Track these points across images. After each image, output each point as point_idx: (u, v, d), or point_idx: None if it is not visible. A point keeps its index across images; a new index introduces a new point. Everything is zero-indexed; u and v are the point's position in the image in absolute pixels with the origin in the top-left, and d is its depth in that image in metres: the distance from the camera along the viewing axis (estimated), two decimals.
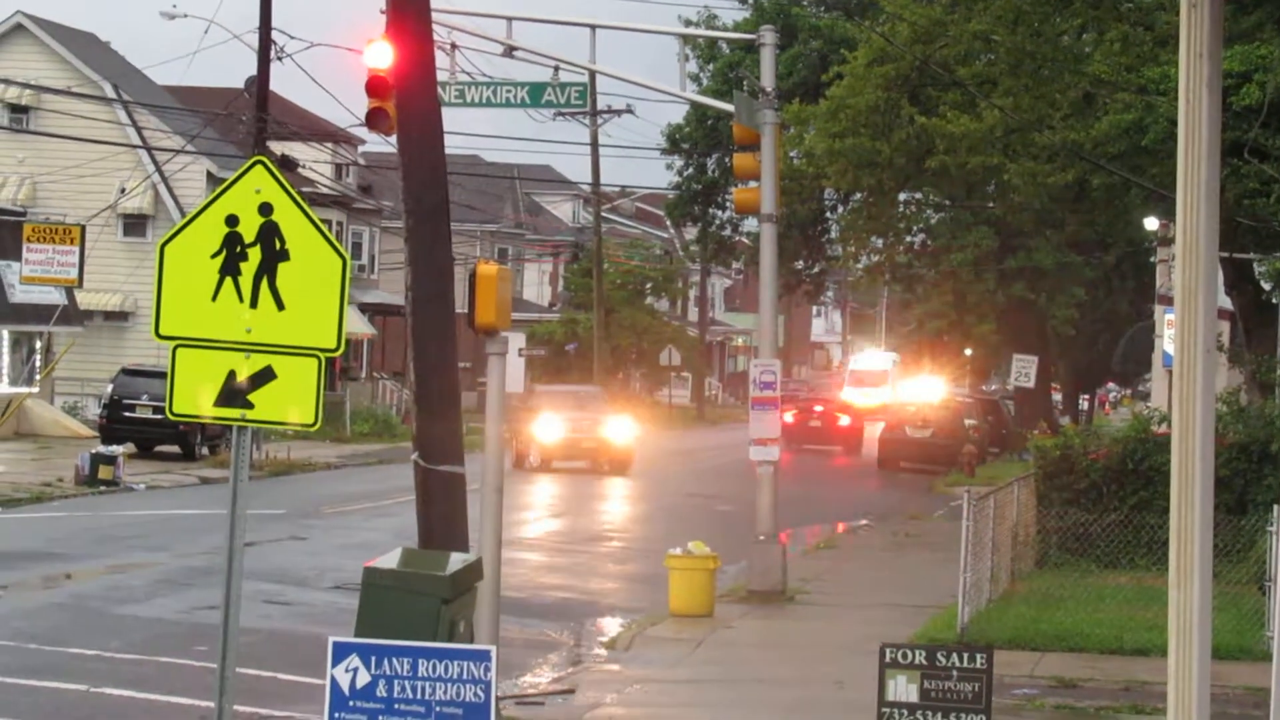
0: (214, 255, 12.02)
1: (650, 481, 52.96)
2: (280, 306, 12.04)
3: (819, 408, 67.00)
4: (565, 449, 52.90)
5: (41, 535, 32.71)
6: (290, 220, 12.09)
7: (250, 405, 12.17)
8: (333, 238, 12.56)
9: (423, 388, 18.42)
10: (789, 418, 39.02)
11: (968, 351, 67.60)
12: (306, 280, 12.09)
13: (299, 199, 12.22)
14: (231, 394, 12.14)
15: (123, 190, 54.11)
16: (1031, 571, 29.21)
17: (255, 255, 12.05)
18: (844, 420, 66.05)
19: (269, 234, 12.06)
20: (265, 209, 12.03)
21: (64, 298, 51.24)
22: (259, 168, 12.27)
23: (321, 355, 12.20)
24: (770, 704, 20.23)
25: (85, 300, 54.28)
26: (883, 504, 47.20)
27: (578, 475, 52.29)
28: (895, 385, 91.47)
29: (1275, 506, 6.24)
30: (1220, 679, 6.66)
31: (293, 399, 12.33)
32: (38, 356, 53.77)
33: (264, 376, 12.14)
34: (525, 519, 35.62)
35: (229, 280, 12.06)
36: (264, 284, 12.08)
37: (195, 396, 12.32)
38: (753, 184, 29.50)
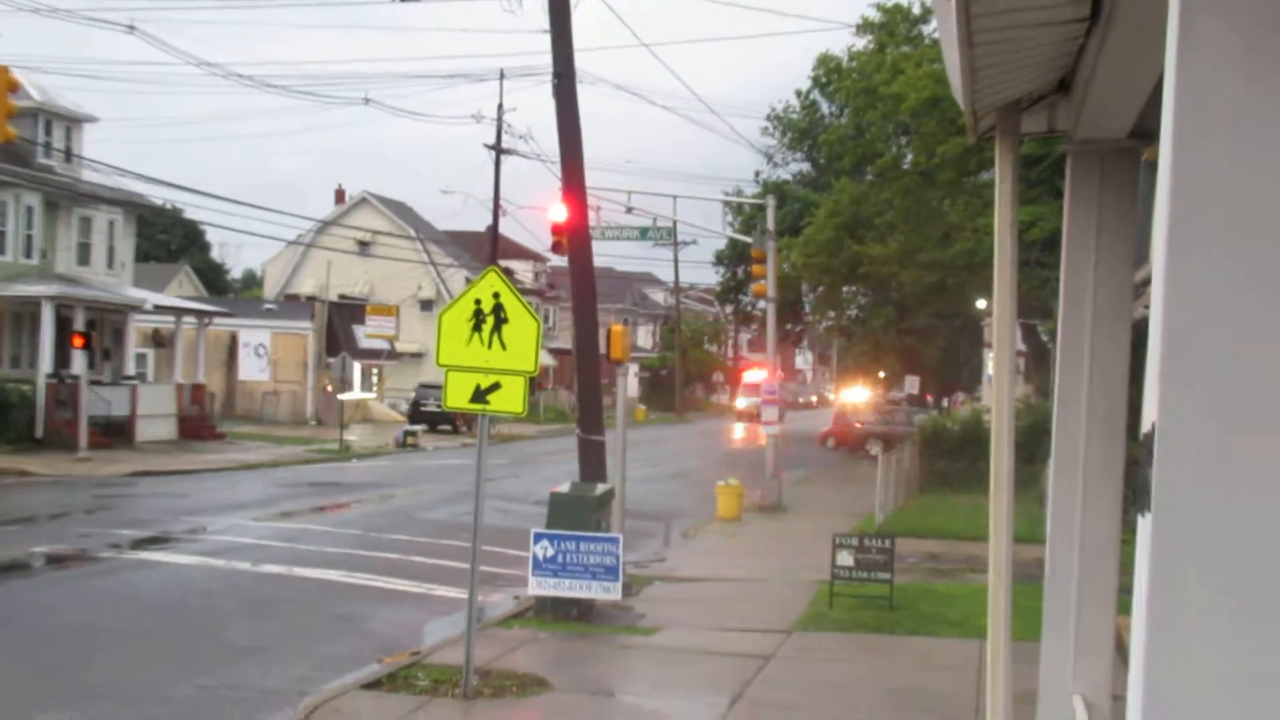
0: (468, 320, 15.00)
1: (703, 440, 70.27)
2: (504, 348, 14.99)
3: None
4: None
5: (376, 474, 43.78)
6: (509, 301, 15.06)
7: (487, 402, 15.15)
8: (532, 310, 15.34)
9: (582, 393, 25.22)
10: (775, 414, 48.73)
11: (881, 374, 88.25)
12: (517, 334, 15.01)
13: (513, 289, 15.32)
14: (477, 395, 15.10)
15: (419, 286, 77.84)
16: (915, 495, 38.70)
17: (490, 320, 14.98)
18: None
19: (497, 309, 14.98)
20: (495, 295, 15.02)
21: (388, 345, 68.89)
22: (492, 273, 15.48)
23: (525, 375, 15.22)
24: (770, 560, 26.99)
25: (399, 347, 72.28)
26: (833, 458, 59.37)
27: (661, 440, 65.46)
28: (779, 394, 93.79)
29: (1050, 459, 7.32)
30: (1018, 554, 6.56)
31: (510, 399, 15.17)
32: (374, 377, 73.61)
33: (495, 386, 15.08)
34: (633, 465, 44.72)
35: (476, 334, 14.99)
36: (495, 336, 14.99)
37: (459, 397, 15.22)
38: (762, 281, 42.71)
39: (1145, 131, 5.84)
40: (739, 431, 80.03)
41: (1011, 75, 5.55)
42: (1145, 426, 2.46)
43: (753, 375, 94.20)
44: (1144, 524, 2.45)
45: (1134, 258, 6.36)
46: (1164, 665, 2.39)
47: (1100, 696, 6.09)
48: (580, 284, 24.86)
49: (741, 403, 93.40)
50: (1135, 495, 2.54)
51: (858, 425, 66.79)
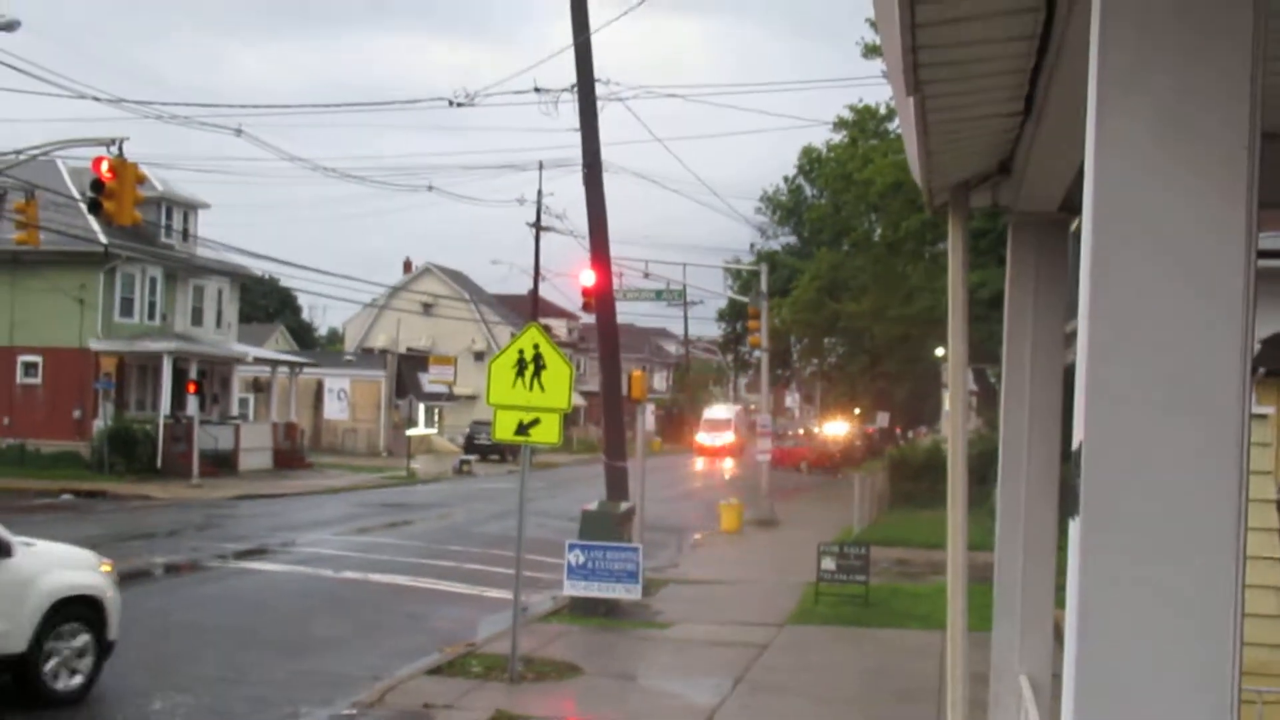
0: (513, 367, 15.20)
1: (709, 470, 68.39)
2: (543, 390, 15.18)
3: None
4: None
5: (437, 495, 43.65)
6: (546, 351, 15.31)
7: (529, 434, 15.28)
8: (565, 358, 15.54)
9: (608, 427, 24.71)
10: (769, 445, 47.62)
11: (857, 410, 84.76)
12: (554, 378, 15.21)
13: (550, 342, 15.70)
14: (520, 429, 15.24)
15: (473, 340, 78.57)
16: (886, 511, 38.22)
17: (531, 367, 15.19)
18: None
19: (537, 357, 15.20)
20: (535, 346, 15.26)
21: (447, 390, 69.21)
22: (533, 329, 15.84)
23: (560, 411, 15.31)
24: (766, 565, 26.87)
25: (457, 391, 72.31)
26: (817, 481, 57.93)
27: (673, 467, 65.03)
28: (738, 430, 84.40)
29: (998, 479, 7.14)
30: (973, 559, 6.53)
31: (548, 432, 15.31)
32: (435, 415, 73.76)
33: (535, 421, 15.21)
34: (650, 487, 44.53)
35: (519, 379, 15.18)
36: (535, 380, 15.19)
37: (505, 430, 15.38)
38: (757, 334, 42.44)
39: (1072, 205, 5.85)
40: (702, 469, 70.41)
41: (961, 159, 5.59)
42: (1075, 444, 2.47)
43: (715, 412, 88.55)
44: (1074, 527, 2.44)
45: (1064, 313, 6.35)
46: (1093, 647, 2.38)
47: (1042, 675, 6.05)
48: (606, 337, 24.86)
49: (704, 439, 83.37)
50: (1067, 503, 2.54)
51: (792, 449, 69.82)
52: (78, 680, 12.63)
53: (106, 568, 13.46)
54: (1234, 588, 2.33)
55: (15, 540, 12.27)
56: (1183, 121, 2.35)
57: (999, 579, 6.34)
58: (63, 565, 12.83)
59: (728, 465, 70.96)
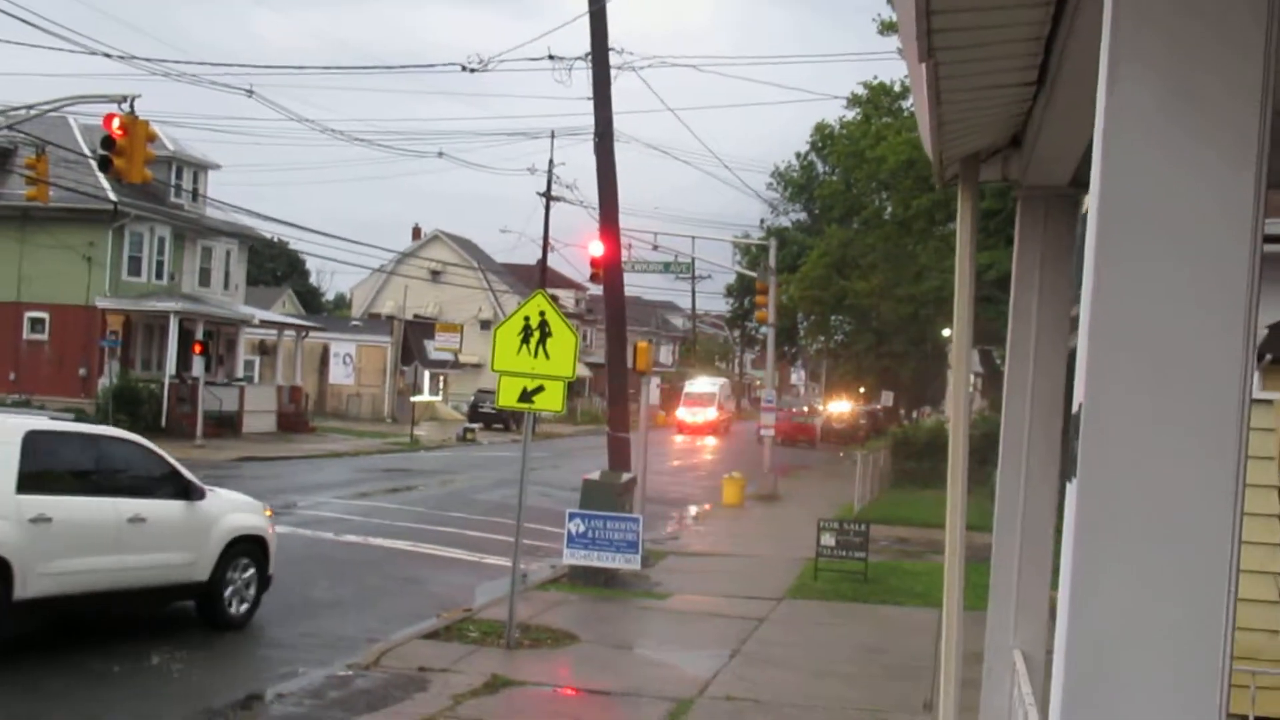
0: (518, 334, 15.09)
1: (713, 443, 67.92)
2: (547, 357, 15.08)
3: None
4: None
5: (440, 462, 43.69)
6: (552, 318, 15.20)
7: (533, 401, 15.17)
8: (571, 326, 15.40)
9: (612, 399, 24.91)
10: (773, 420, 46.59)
11: (862, 390, 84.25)
12: (559, 345, 15.10)
13: (556, 309, 15.57)
14: (524, 396, 15.14)
15: (480, 309, 78.06)
16: (888, 490, 38.25)
17: (536, 334, 15.09)
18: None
19: (543, 324, 15.11)
20: (541, 314, 15.16)
21: (453, 357, 68.63)
22: (539, 296, 15.75)
23: (564, 379, 15.18)
24: (766, 540, 26.96)
25: (462, 359, 71.69)
26: (821, 458, 57.45)
27: (676, 440, 64.87)
28: (723, 405, 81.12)
29: (999, 462, 7.15)
30: (972, 540, 6.51)
31: (552, 399, 15.21)
32: (441, 383, 74.34)
33: (539, 389, 15.13)
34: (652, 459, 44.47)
35: (524, 345, 15.08)
36: (540, 348, 15.09)
37: (509, 397, 15.27)
38: (764, 309, 42.41)
39: (1082, 181, 5.79)
40: (681, 447, 64.86)
41: (972, 131, 5.54)
42: (1075, 408, 2.44)
43: (698, 385, 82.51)
44: (1071, 489, 2.42)
45: (1070, 293, 6.30)
46: (1086, 613, 2.36)
47: (1036, 651, 6.04)
48: (613, 307, 24.82)
49: (684, 415, 77.95)
50: (1066, 467, 2.51)
51: (840, 427, 71.37)
52: (245, 608, 15.01)
53: (268, 513, 15.98)
54: (1228, 558, 2.30)
55: (204, 486, 14.67)
56: (1193, 92, 2.31)
57: (996, 557, 6.32)
58: (236, 509, 15.21)
59: (710, 443, 68.20)
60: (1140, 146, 2.34)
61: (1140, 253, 2.33)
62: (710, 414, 78.04)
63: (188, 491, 14.29)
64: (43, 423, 13.45)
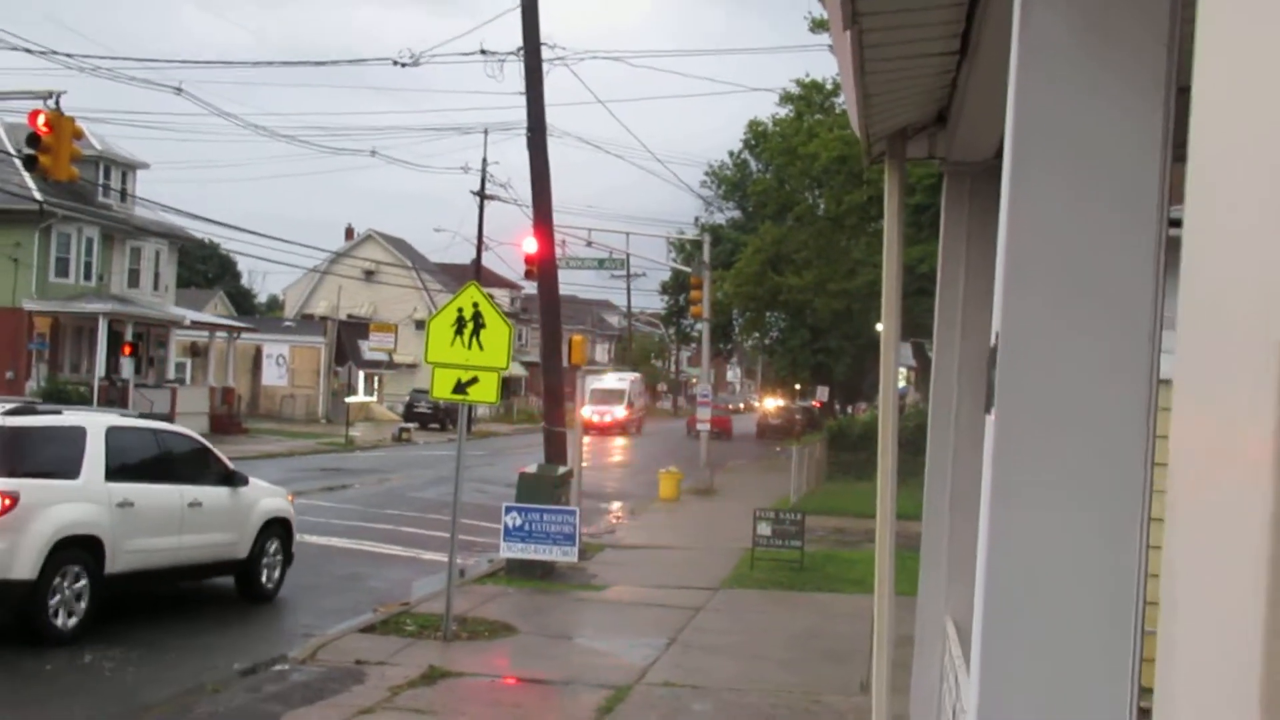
0: (451, 325, 15.05)
1: (649, 439, 67.70)
2: (481, 349, 15.01)
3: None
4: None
5: (376, 462, 43.35)
6: (486, 309, 15.18)
7: (467, 393, 15.13)
8: (505, 317, 15.43)
9: (548, 393, 24.65)
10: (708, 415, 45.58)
11: (797, 385, 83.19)
12: (494, 337, 15.05)
13: (490, 300, 15.62)
14: (459, 388, 15.08)
15: (414, 309, 75.90)
16: (823, 482, 38.38)
17: (470, 326, 15.04)
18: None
19: (476, 316, 15.05)
20: (475, 305, 15.12)
21: (387, 357, 68.30)
22: (472, 287, 15.77)
23: (498, 371, 15.15)
24: (703, 532, 26.87)
25: (397, 359, 71.31)
26: (757, 452, 57.47)
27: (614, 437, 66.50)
28: (633, 403, 75.17)
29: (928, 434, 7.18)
30: (905, 529, 6.95)
31: (486, 391, 15.16)
32: (376, 383, 73.69)
33: (473, 380, 15.05)
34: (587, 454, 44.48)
35: (458, 337, 15.00)
36: (474, 339, 15.02)
37: (444, 388, 15.24)
38: (699, 305, 42.10)
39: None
40: (597, 446, 61.19)
41: (898, 105, 5.62)
42: (992, 339, 2.50)
43: (605, 381, 76.05)
44: (989, 421, 2.47)
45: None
46: (1006, 537, 2.41)
47: (967, 618, 6.10)
48: (547, 302, 24.68)
49: (589, 414, 62.43)
50: (988, 400, 2.57)
51: (775, 422, 72.18)
52: (274, 581, 17.08)
53: (290, 498, 18.03)
54: (1143, 480, 2.36)
55: (246, 475, 16.79)
56: (1105, 25, 2.37)
57: (927, 526, 6.41)
58: (267, 494, 17.21)
59: (620, 443, 64.78)
60: (1053, 78, 2.40)
61: (1053, 183, 2.39)
62: (618, 412, 72.52)
63: (232, 479, 16.28)
64: (118, 419, 15.34)
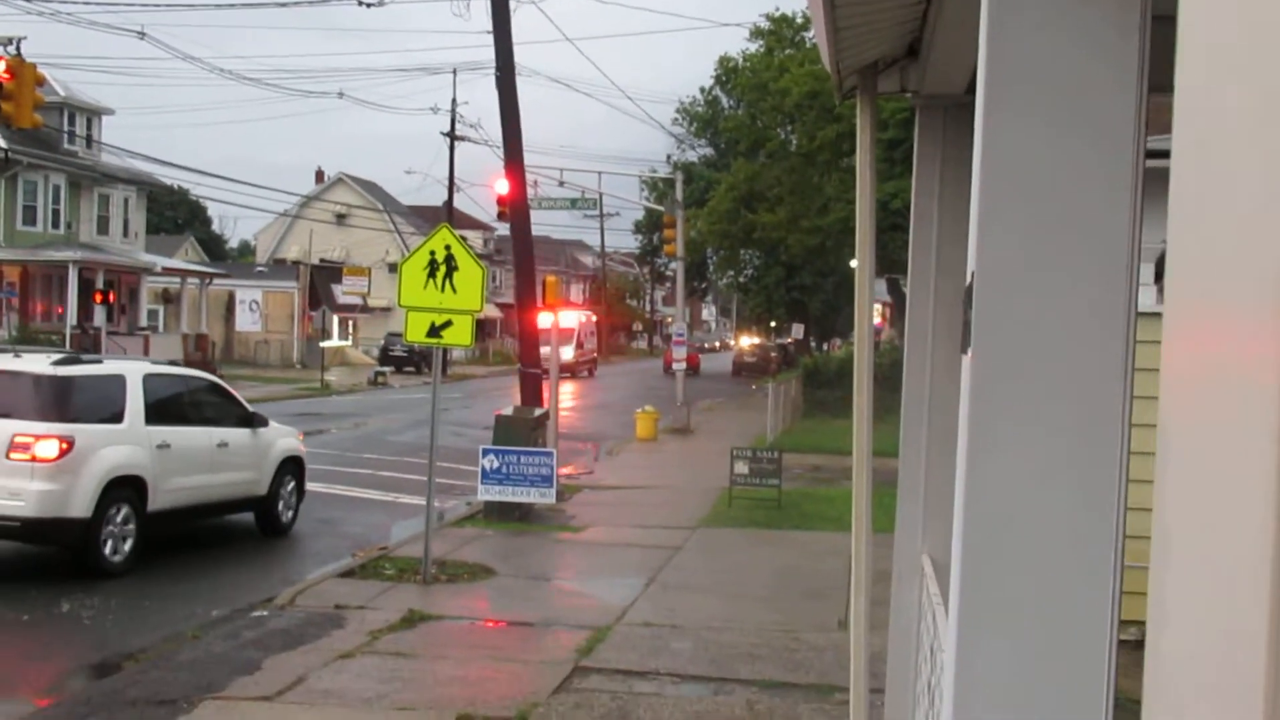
0: (424, 269, 14.89)
1: (624, 379, 67.47)
2: (454, 291, 14.87)
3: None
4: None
5: (352, 406, 43.39)
6: (459, 252, 15.03)
7: (441, 336, 15.01)
8: (478, 259, 15.31)
9: (523, 334, 24.38)
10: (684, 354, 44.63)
11: (773, 323, 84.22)
12: (466, 280, 14.91)
13: (463, 242, 15.43)
14: (433, 331, 14.95)
15: (386, 252, 76.28)
16: (800, 419, 38.47)
17: (443, 268, 14.87)
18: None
19: (449, 258, 14.90)
20: (447, 247, 14.96)
21: (361, 301, 67.97)
22: (444, 229, 15.60)
23: (472, 313, 15.11)
24: (680, 472, 26.87)
25: (371, 303, 70.81)
26: (733, 390, 57.41)
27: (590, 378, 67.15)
28: (583, 343, 72.67)
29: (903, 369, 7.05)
30: (883, 465, 6.49)
31: (460, 334, 15.12)
32: (350, 327, 73.93)
33: (447, 324, 14.95)
34: (564, 395, 43.43)
35: (431, 280, 14.86)
36: (447, 282, 14.88)
37: (417, 332, 15.09)
38: (673, 243, 41.70)
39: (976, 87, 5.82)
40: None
41: (869, 39, 5.54)
42: (968, 278, 2.46)
43: (565, 318, 69.28)
44: (965, 361, 2.44)
45: (969, 199, 6.33)
46: (983, 479, 2.38)
47: (944, 554, 6.11)
48: (520, 243, 24.51)
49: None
50: (964, 340, 2.53)
51: (751, 360, 72.13)
52: (290, 516, 18.19)
53: (300, 436, 19.39)
54: (1120, 423, 2.34)
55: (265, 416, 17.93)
56: None
57: (904, 461, 6.40)
58: (282, 435, 18.24)
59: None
60: (1025, 9, 2.34)
61: (1027, 119, 2.34)
62: (566, 354, 67.05)
63: (252, 420, 17.30)
64: (150, 366, 16.71)
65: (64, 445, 13.84)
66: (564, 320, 73.97)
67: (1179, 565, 1.16)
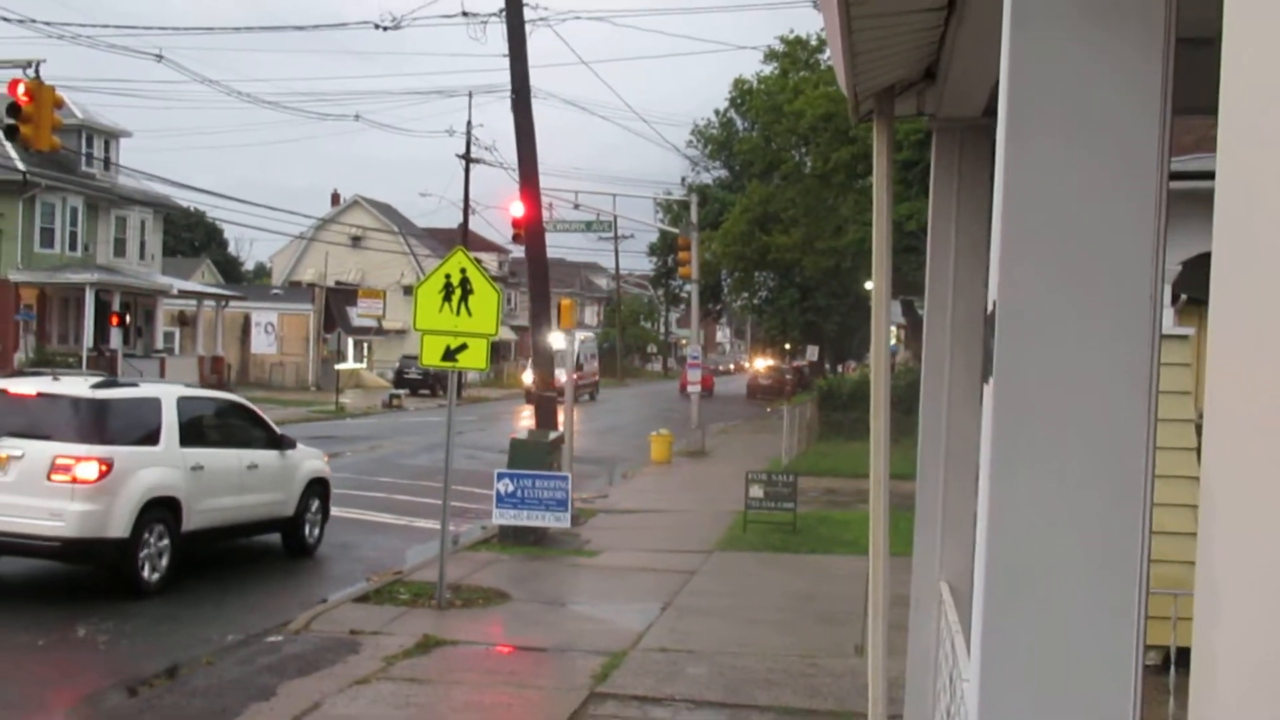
0: (439, 292, 14.93)
1: (638, 401, 67.26)
2: (469, 315, 14.90)
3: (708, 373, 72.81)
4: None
5: (366, 429, 43.06)
6: (474, 275, 15.05)
7: (456, 360, 15.02)
8: (492, 282, 15.35)
9: (536, 359, 24.83)
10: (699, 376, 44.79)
11: (788, 346, 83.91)
12: (481, 303, 14.95)
13: (478, 265, 15.50)
14: (448, 354, 14.98)
15: (401, 274, 76.97)
16: (815, 442, 38.17)
17: (458, 292, 14.94)
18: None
19: (464, 282, 14.94)
20: (462, 270, 14.99)
21: (376, 324, 67.54)
22: (460, 253, 15.58)
23: (487, 337, 15.06)
24: (695, 495, 26.75)
25: (386, 325, 70.69)
26: (748, 413, 57.23)
27: (603, 399, 66.68)
28: (585, 362, 68.45)
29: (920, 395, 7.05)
30: (898, 488, 6.28)
31: (475, 357, 15.06)
32: (365, 350, 74.08)
33: (462, 347, 14.95)
34: (578, 419, 44.18)
35: (446, 303, 14.91)
36: (462, 305, 14.92)
37: (433, 356, 15.11)
38: (688, 265, 41.79)
39: (996, 110, 5.80)
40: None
41: (885, 63, 5.52)
42: (989, 306, 2.43)
43: (551, 341, 70.92)
44: (988, 390, 2.40)
45: (986, 223, 6.30)
46: (1006, 512, 2.35)
47: (962, 581, 6.07)
48: (535, 266, 24.55)
49: (530, 379, 61.11)
50: (985, 368, 2.50)
51: (766, 382, 72.02)
52: (316, 536, 18.46)
53: (326, 459, 19.43)
54: (1145, 453, 2.30)
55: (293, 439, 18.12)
56: None
57: (921, 491, 6.35)
58: (309, 457, 18.44)
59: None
60: (1047, 34, 2.31)
61: (1050, 145, 2.31)
62: (560, 375, 65.86)
63: (280, 443, 17.53)
64: (184, 390, 16.94)
65: (104, 467, 14.12)
66: (560, 343, 75.44)
67: (1229, 622, 1.11)
